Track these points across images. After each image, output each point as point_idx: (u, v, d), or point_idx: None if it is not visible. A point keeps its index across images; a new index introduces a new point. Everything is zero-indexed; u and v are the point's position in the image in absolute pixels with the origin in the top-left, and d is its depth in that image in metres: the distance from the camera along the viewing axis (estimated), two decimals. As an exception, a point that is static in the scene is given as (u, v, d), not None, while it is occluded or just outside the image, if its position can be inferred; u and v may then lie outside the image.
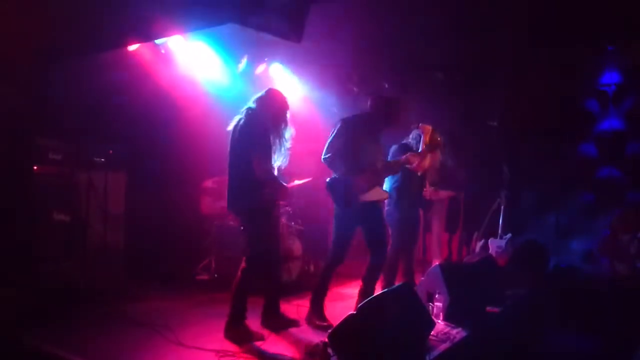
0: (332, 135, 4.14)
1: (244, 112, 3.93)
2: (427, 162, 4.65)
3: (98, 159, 5.21)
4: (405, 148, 4.81)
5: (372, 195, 4.16)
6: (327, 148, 4.12)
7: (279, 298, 4.14)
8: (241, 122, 3.88)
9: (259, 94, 4.01)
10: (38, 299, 4.37)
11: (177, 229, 5.81)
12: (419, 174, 4.88)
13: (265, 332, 3.85)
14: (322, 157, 4.13)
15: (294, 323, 4.09)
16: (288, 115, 4.04)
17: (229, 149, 3.91)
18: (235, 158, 3.87)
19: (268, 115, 3.91)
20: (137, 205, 5.51)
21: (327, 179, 4.20)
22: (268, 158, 3.80)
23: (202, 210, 5.89)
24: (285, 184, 4.00)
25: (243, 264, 3.84)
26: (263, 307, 4.06)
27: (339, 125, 4.16)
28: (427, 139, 4.60)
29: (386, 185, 4.89)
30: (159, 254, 5.54)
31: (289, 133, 4.00)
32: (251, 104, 3.96)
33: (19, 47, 4.39)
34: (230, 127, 3.93)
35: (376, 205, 4.27)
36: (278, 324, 4.02)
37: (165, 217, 5.72)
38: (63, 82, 4.98)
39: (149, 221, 5.61)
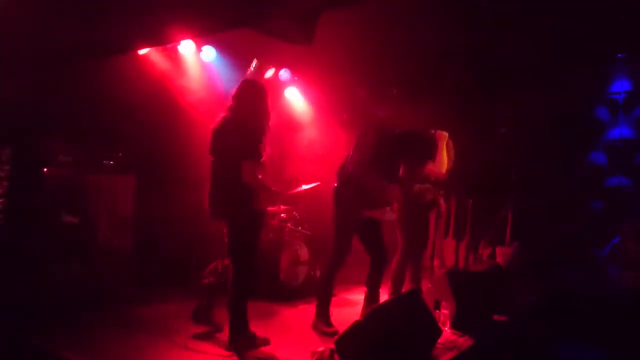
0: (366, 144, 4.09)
1: (227, 111, 3.75)
2: (443, 167, 4.65)
3: (107, 162, 5.24)
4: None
5: (378, 214, 4.17)
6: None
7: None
8: (226, 122, 3.70)
9: (236, 90, 3.80)
10: (45, 300, 4.40)
11: (185, 232, 5.82)
12: (431, 179, 4.86)
13: (270, 336, 3.84)
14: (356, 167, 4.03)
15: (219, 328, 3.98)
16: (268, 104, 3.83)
17: (212, 150, 3.73)
18: (222, 162, 3.69)
19: (252, 112, 3.72)
20: (145, 209, 5.53)
21: (335, 185, 4.20)
22: (258, 164, 3.65)
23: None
24: (273, 189, 3.85)
25: (231, 274, 3.73)
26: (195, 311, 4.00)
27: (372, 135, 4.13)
28: (443, 145, 4.61)
29: None
30: (166, 257, 5.55)
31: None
32: (232, 102, 3.77)
33: (30, 49, 4.42)
34: (214, 127, 3.74)
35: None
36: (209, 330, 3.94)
37: (173, 221, 5.74)
38: (74, 85, 5.02)
39: (156, 224, 5.63)
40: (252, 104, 3.75)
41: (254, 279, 3.85)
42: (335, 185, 4.21)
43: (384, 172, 4.08)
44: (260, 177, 3.66)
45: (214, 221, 3.87)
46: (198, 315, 4.00)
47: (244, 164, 3.55)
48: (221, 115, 3.79)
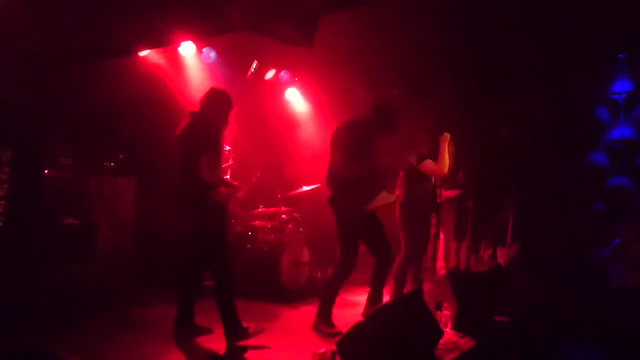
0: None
1: (190, 116, 3.87)
2: (445, 168, 4.65)
3: (108, 164, 5.25)
4: (423, 156, 4.79)
5: (378, 201, 4.15)
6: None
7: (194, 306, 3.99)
8: (189, 126, 3.82)
9: (203, 96, 3.92)
10: (46, 301, 4.41)
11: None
12: (432, 180, 4.87)
13: (271, 337, 3.83)
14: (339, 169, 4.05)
15: (207, 330, 3.96)
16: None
17: (178, 153, 3.82)
18: (187, 163, 3.75)
19: (218, 117, 3.84)
20: (145, 210, 5.54)
21: (329, 196, 4.18)
22: (218, 162, 3.74)
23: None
24: (234, 184, 3.95)
25: (213, 275, 3.77)
26: (176, 318, 3.86)
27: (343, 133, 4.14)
28: (446, 146, 4.62)
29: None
30: (166, 258, 5.55)
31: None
32: (198, 107, 3.89)
33: (32, 51, 4.43)
34: (178, 132, 3.85)
35: (374, 213, 4.27)
36: (190, 333, 3.89)
37: (173, 222, 5.74)
38: (74, 86, 5.02)
39: (157, 226, 5.63)
40: (215, 110, 3.86)
41: (230, 272, 3.82)
42: (330, 196, 4.18)
43: (367, 159, 4.08)
44: (224, 175, 3.73)
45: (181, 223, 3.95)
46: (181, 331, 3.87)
47: (202, 158, 3.63)
48: (184, 122, 3.88)
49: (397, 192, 4.90)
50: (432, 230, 5.17)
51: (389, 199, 4.25)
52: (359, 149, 4.06)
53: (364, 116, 4.28)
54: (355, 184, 4.05)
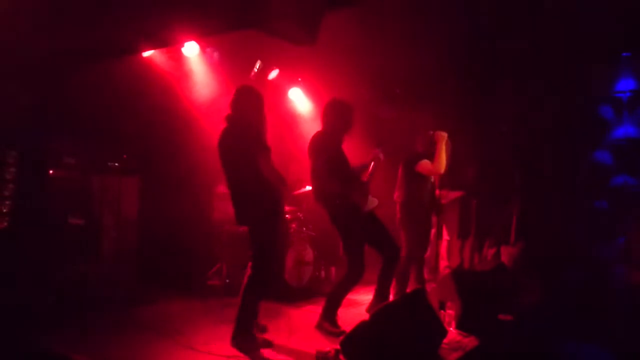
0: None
1: (227, 120, 3.83)
2: (442, 167, 4.64)
3: (112, 164, 5.26)
4: (420, 156, 4.78)
5: (370, 204, 4.16)
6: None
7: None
8: (229, 132, 3.78)
9: (233, 98, 3.87)
10: (51, 301, 4.42)
11: (189, 234, 5.84)
12: (432, 179, 4.87)
13: (275, 336, 3.84)
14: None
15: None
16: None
17: (223, 161, 3.79)
18: (234, 169, 3.76)
19: (253, 114, 3.80)
20: (149, 210, 5.55)
21: (330, 207, 4.18)
22: (269, 156, 3.71)
23: (215, 215, 5.90)
24: (291, 178, 3.97)
25: (249, 271, 3.74)
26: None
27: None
28: (442, 145, 4.61)
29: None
30: (171, 259, 5.56)
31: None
32: (230, 110, 3.85)
33: (36, 52, 4.44)
34: (218, 141, 3.82)
35: (373, 213, 4.28)
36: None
37: (178, 222, 5.75)
38: (78, 86, 5.04)
39: (161, 226, 5.64)
40: (249, 110, 3.81)
41: (270, 277, 3.83)
42: (329, 206, 4.17)
43: (344, 166, 4.13)
44: (276, 168, 3.74)
45: (240, 225, 3.96)
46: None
47: (259, 158, 3.61)
48: (222, 127, 3.85)
49: (397, 193, 4.92)
50: (434, 230, 5.17)
51: (374, 203, 4.26)
52: (335, 159, 4.10)
53: (325, 122, 4.28)
54: (347, 190, 4.07)
